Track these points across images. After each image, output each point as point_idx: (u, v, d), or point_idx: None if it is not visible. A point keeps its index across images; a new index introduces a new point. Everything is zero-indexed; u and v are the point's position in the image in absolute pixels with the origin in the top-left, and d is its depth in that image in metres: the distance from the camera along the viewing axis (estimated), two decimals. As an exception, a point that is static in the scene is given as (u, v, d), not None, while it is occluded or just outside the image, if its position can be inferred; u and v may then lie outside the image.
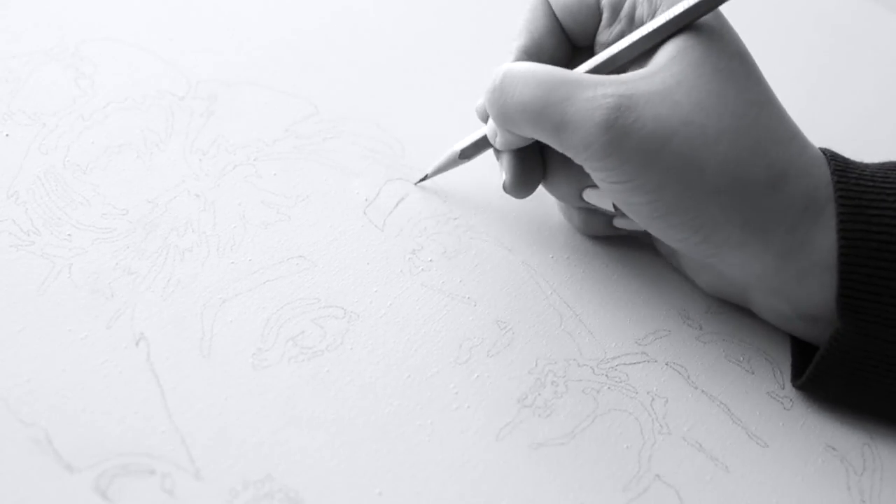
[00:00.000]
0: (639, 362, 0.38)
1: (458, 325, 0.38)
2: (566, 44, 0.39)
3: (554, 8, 0.38)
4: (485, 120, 0.39)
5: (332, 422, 0.34)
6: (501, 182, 0.39)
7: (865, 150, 0.48)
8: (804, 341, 0.38)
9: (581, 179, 0.38)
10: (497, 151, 0.39)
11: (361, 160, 0.43)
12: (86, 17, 0.48)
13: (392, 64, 0.49)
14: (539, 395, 0.36)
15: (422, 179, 0.42)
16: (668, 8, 0.35)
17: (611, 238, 0.41)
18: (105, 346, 0.35)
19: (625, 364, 0.37)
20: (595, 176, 0.35)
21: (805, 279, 0.34)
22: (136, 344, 0.35)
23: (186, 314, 0.37)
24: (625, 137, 0.33)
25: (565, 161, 0.37)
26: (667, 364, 0.38)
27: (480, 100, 0.39)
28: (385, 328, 0.37)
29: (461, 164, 0.41)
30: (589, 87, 0.33)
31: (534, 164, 0.39)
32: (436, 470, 0.34)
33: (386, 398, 0.35)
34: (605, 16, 0.37)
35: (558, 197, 0.40)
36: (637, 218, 0.36)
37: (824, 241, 0.34)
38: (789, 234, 0.34)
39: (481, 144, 0.40)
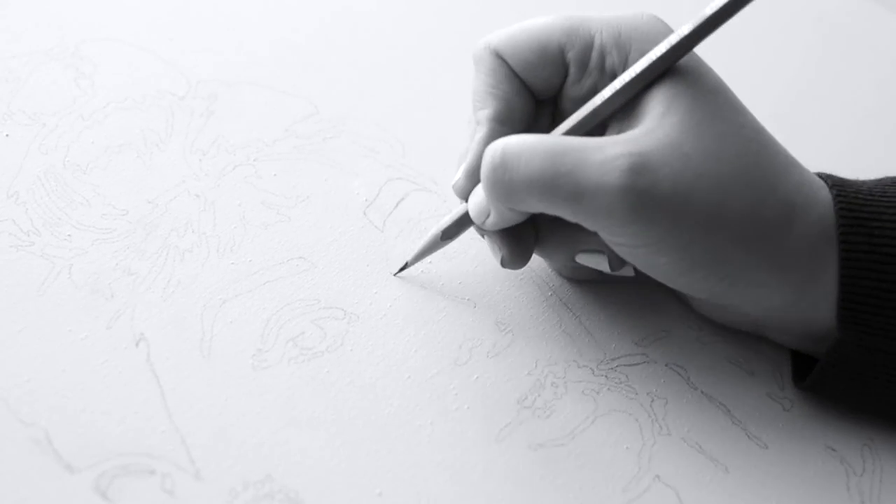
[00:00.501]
0: (639, 363, 0.38)
1: (457, 327, 0.38)
2: (531, 101, 0.37)
3: (514, 67, 0.36)
4: (464, 197, 0.37)
5: (332, 422, 0.34)
6: (498, 260, 0.36)
7: (865, 150, 0.48)
8: (804, 342, 0.38)
9: (574, 243, 0.36)
10: (482, 229, 0.37)
11: (361, 160, 0.43)
12: (86, 17, 0.48)
13: (392, 64, 0.48)
14: (539, 395, 0.36)
15: (402, 269, 0.39)
16: (638, 53, 0.34)
17: (581, 272, 0.40)
18: (105, 347, 0.35)
19: (625, 365, 0.37)
20: (615, 241, 0.33)
21: (821, 303, 0.34)
22: (137, 344, 0.35)
23: (186, 315, 0.37)
24: (647, 199, 0.31)
25: (557, 226, 0.36)
26: (667, 365, 0.38)
27: (457, 175, 0.37)
28: (385, 329, 0.37)
29: (444, 245, 0.38)
30: (598, 152, 0.32)
31: (528, 232, 0.37)
32: (436, 470, 0.34)
33: (386, 399, 0.35)
34: (572, 71, 0.35)
35: (549, 261, 0.39)
36: (659, 277, 0.34)
37: (837, 263, 0.33)
38: (806, 265, 0.33)
39: (465, 222, 0.37)
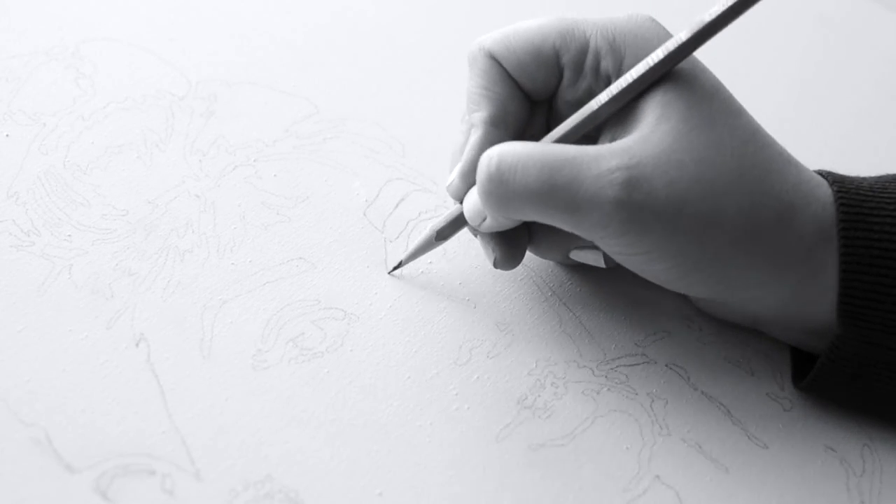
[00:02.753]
0: (639, 363, 0.38)
1: (457, 327, 0.38)
2: (526, 103, 0.37)
3: (508, 69, 0.36)
4: (458, 199, 0.37)
5: (332, 422, 0.34)
6: (491, 261, 0.37)
7: (864, 149, 0.48)
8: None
9: (568, 241, 0.37)
10: (475, 230, 0.37)
11: (362, 160, 0.43)
12: (86, 17, 0.48)
13: (392, 64, 0.48)
14: (539, 396, 0.36)
15: (396, 267, 0.39)
16: (633, 58, 0.34)
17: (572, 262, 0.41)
18: (105, 347, 0.35)
19: (625, 365, 0.37)
20: (611, 249, 0.34)
21: (819, 299, 0.34)
22: (137, 344, 0.35)
23: (186, 315, 0.37)
24: (641, 211, 0.31)
25: (551, 227, 0.36)
26: (667, 365, 0.38)
27: (452, 177, 0.36)
28: (385, 330, 0.37)
29: (438, 245, 0.38)
30: (593, 164, 0.32)
31: (521, 234, 0.37)
32: (436, 471, 0.34)
33: (386, 399, 0.35)
34: (566, 74, 0.35)
35: (543, 258, 0.39)
36: (657, 281, 0.35)
37: (836, 259, 0.33)
38: (804, 263, 0.33)
39: (459, 222, 0.37)
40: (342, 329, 0.37)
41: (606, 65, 0.34)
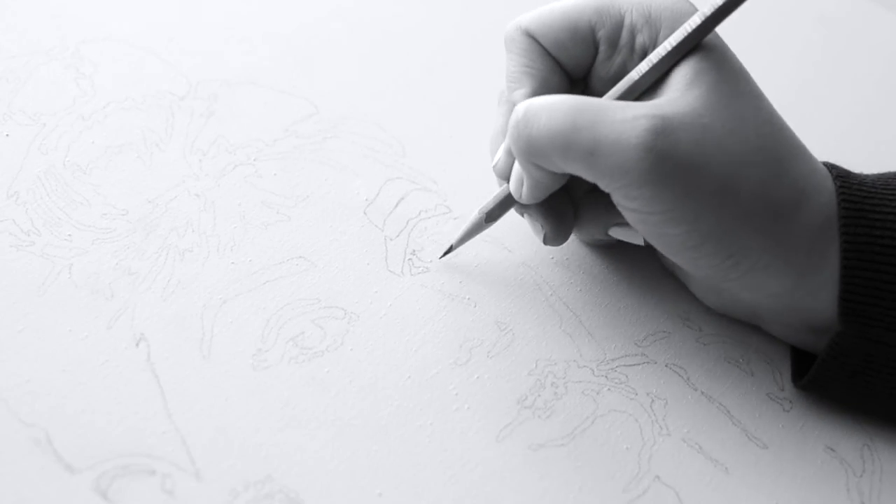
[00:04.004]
0: (639, 364, 0.38)
1: (458, 326, 0.38)
2: (565, 80, 0.37)
3: (546, 46, 0.36)
4: (505, 177, 0.38)
5: (332, 422, 0.34)
6: (541, 238, 0.37)
7: (864, 149, 0.48)
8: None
9: (609, 216, 0.37)
10: (523, 208, 0.38)
11: (361, 160, 0.43)
12: (86, 17, 0.48)
13: (392, 64, 0.48)
14: (539, 396, 0.36)
15: (447, 252, 0.39)
16: (670, 30, 0.34)
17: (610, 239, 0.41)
18: (105, 347, 0.35)
19: (625, 365, 0.37)
20: (627, 206, 0.33)
21: (818, 293, 0.34)
22: (137, 344, 0.35)
23: (186, 315, 0.37)
24: (664, 161, 0.31)
25: (593, 199, 0.37)
26: (666, 365, 0.38)
27: (498, 155, 0.37)
28: (385, 329, 0.37)
29: (487, 227, 0.39)
30: (619, 110, 0.32)
31: (566, 206, 0.37)
32: (436, 471, 0.34)
33: (386, 399, 0.35)
34: (602, 49, 0.36)
35: (584, 235, 0.40)
36: (667, 249, 0.35)
37: (837, 254, 0.33)
38: (808, 252, 0.34)
39: (507, 203, 0.38)
40: (342, 328, 0.37)
41: (643, 39, 0.35)
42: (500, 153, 0.37)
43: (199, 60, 0.47)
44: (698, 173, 0.32)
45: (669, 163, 0.31)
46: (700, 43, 0.34)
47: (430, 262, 0.40)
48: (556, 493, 0.34)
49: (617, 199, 0.34)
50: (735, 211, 0.32)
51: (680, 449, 0.35)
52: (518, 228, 0.41)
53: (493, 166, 0.38)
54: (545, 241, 0.37)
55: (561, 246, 0.40)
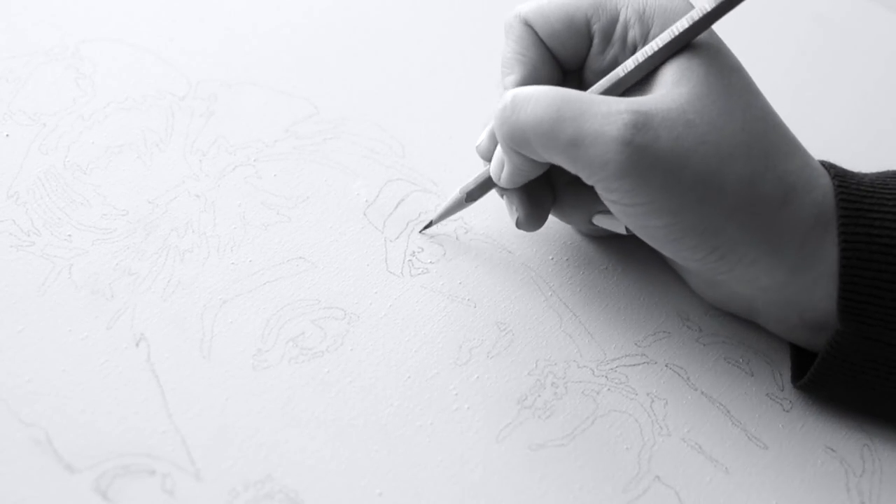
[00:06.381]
0: (638, 364, 0.38)
1: (458, 327, 0.38)
2: (558, 71, 0.38)
3: (541, 36, 0.37)
4: (487, 158, 0.39)
5: (332, 422, 0.34)
6: (514, 220, 0.38)
7: (863, 149, 0.48)
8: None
9: (591, 204, 0.37)
10: (502, 189, 0.38)
11: (362, 161, 0.43)
12: (86, 17, 0.48)
13: (392, 64, 0.48)
14: (539, 396, 0.36)
15: (427, 226, 0.40)
16: (660, 28, 0.35)
17: (611, 239, 0.41)
18: (105, 347, 0.35)
19: (625, 366, 0.37)
20: (608, 198, 0.34)
21: (813, 289, 0.34)
22: (137, 344, 0.35)
23: (187, 315, 0.37)
24: (644, 156, 0.32)
25: (575, 187, 0.37)
26: (666, 366, 0.38)
27: (481, 137, 0.38)
28: (385, 329, 0.37)
29: (467, 206, 0.40)
30: (603, 104, 0.33)
31: (545, 193, 0.38)
32: (436, 471, 0.34)
33: (386, 399, 0.35)
34: (595, 41, 0.37)
35: (567, 222, 0.40)
36: (651, 241, 0.35)
37: (833, 251, 0.33)
38: (800, 248, 0.34)
39: (488, 184, 0.39)
40: (342, 329, 0.37)
41: (634, 35, 0.36)
42: (484, 135, 0.38)
43: (199, 60, 0.47)
44: (679, 168, 0.32)
45: (648, 157, 0.32)
46: (692, 42, 0.34)
47: (430, 263, 0.40)
48: (556, 493, 0.34)
49: (599, 190, 0.34)
50: (717, 205, 0.33)
51: (680, 449, 0.35)
52: (518, 229, 0.41)
53: (476, 146, 0.39)
54: (518, 225, 0.38)
55: (560, 245, 0.40)
